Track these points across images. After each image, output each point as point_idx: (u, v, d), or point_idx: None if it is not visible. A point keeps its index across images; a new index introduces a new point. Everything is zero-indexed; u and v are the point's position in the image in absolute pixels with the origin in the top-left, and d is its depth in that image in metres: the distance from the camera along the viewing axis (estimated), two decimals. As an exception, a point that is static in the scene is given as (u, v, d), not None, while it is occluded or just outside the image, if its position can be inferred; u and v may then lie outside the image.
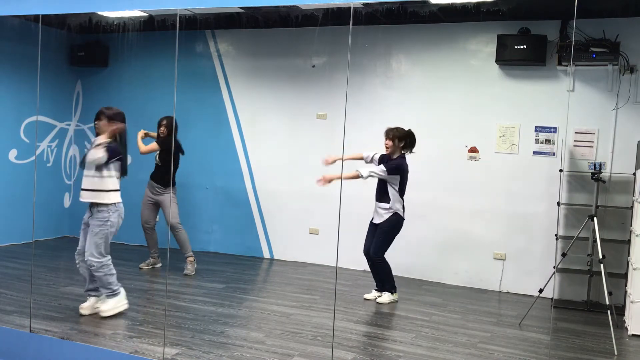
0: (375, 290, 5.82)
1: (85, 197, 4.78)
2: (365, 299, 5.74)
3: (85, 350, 4.03)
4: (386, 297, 5.72)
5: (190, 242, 7.67)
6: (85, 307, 4.87)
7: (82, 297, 5.32)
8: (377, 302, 5.67)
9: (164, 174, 6.36)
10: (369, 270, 5.93)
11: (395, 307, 5.60)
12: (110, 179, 4.76)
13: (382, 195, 5.62)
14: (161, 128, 6.32)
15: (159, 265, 6.75)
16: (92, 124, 5.09)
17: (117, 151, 4.75)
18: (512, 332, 4.97)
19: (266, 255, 7.51)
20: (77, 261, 4.89)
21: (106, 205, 4.73)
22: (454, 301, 5.88)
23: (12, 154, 7.51)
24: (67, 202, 8.36)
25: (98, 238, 4.72)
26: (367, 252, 5.71)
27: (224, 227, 7.65)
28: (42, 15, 4.56)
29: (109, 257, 4.81)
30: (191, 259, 6.52)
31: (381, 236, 5.60)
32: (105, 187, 4.73)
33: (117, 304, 4.85)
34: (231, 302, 5.44)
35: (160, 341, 4.27)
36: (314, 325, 4.88)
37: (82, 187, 4.78)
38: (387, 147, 5.62)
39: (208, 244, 7.70)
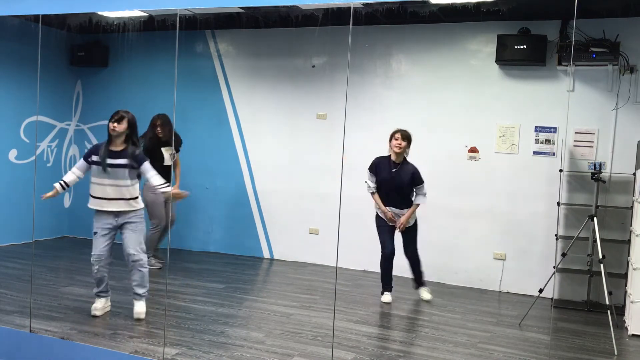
0: (387, 292, 5.80)
1: (116, 206, 4.74)
2: (386, 303, 5.68)
3: (85, 350, 4.03)
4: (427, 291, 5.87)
5: (190, 242, 7.70)
6: (99, 308, 4.84)
7: (82, 297, 5.33)
8: (425, 300, 5.77)
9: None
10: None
11: (395, 307, 5.60)
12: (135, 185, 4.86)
13: (406, 201, 5.69)
14: (157, 129, 6.41)
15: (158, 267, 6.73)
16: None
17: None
18: (512, 332, 4.97)
19: (266, 255, 7.51)
20: (96, 266, 4.77)
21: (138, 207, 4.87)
22: (454, 301, 5.88)
23: (12, 154, 7.51)
24: (67, 202, 8.36)
25: (140, 235, 4.84)
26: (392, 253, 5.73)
27: (224, 227, 7.65)
28: (42, 15, 4.55)
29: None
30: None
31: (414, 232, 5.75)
32: (135, 195, 4.84)
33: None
34: (231, 302, 5.44)
35: (160, 341, 4.27)
36: (314, 325, 4.88)
37: (106, 195, 4.71)
38: (399, 147, 5.55)
39: (208, 244, 7.70)
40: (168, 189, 4.93)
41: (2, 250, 7.19)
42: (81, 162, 4.78)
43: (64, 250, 7.53)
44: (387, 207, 5.62)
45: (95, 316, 4.79)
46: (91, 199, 4.75)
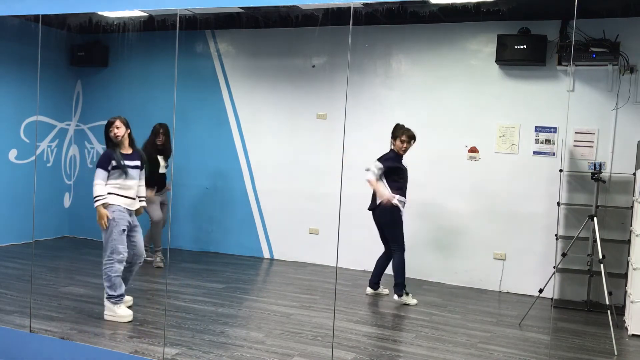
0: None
1: (137, 205, 4.96)
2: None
3: (85, 350, 4.03)
4: None
5: (190, 242, 7.70)
6: (130, 314, 4.79)
7: (82, 297, 5.34)
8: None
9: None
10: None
11: (395, 307, 5.61)
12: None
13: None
14: (159, 137, 6.55)
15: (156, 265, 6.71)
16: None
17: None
18: (512, 332, 4.97)
19: (266, 255, 7.51)
20: (122, 269, 4.77)
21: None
22: (454, 301, 5.88)
23: (12, 154, 7.51)
24: (67, 202, 8.36)
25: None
26: None
27: (224, 227, 7.65)
28: (42, 15, 4.56)
29: None
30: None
31: None
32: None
33: None
34: (231, 302, 5.44)
35: (160, 341, 4.27)
36: (314, 325, 4.88)
37: (129, 194, 4.83)
38: (405, 151, 5.69)
39: (208, 244, 7.70)
40: (144, 203, 5.13)
41: (2, 250, 7.19)
42: (102, 173, 4.72)
43: (64, 250, 7.53)
44: (400, 196, 5.64)
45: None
46: (119, 198, 4.77)
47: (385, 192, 5.57)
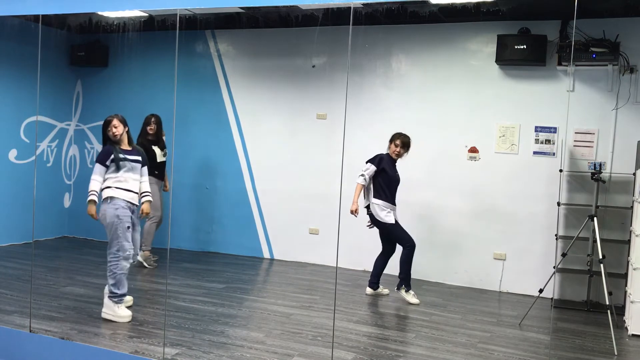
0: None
1: (136, 199, 4.91)
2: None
3: (85, 350, 4.04)
4: None
5: (190, 242, 7.69)
6: (130, 314, 4.78)
7: (82, 297, 5.33)
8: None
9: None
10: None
11: (395, 307, 5.61)
12: None
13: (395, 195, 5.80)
14: (151, 125, 6.60)
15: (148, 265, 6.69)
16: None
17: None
18: (512, 332, 4.97)
19: (266, 255, 7.51)
20: (131, 260, 4.77)
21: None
22: (454, 301, 5.88)
23: (12, 154, 7.51)
24: (67, 202, 8.36)
25: None
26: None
27: (224, 227, 7.65)
28: (42, 15, 4.56)
29: None
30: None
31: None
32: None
33: None
34: (231, 302, 5.44)
35: (160, 341, 4.27)
36: (314, 325, 4.88)
37: (130, 188, 4.81)
38: (398, 155, 5.76)
39: (208, 244, 7.70)
40: (149, 198, 5.05)
41: (2, 250, 7.19)
42: (100, 168, 4.75)
43: (64, 250, 7.53)
44: (387, 203, 5.70)
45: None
46: (120, 192, 4.74)
47: (354, 201, 5.65)
